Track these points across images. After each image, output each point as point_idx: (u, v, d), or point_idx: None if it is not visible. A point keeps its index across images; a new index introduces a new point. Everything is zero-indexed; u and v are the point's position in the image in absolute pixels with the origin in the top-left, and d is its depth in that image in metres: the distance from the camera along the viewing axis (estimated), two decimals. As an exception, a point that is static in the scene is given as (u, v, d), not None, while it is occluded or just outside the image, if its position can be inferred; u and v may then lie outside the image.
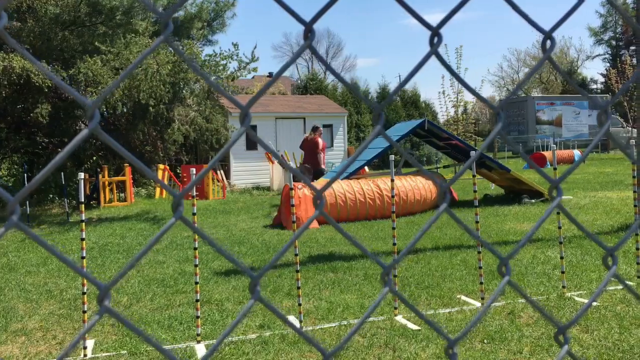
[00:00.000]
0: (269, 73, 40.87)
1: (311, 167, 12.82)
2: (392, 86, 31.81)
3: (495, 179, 12.45)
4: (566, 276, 5.27)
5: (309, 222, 0.64)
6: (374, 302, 0.73)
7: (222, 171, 18.25)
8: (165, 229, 0.58)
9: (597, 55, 52.03)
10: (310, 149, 13.01)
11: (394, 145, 0.66)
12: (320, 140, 13.09)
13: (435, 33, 0.69)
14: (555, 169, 5.22)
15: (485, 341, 3.96)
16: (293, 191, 4.66)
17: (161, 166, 15.95)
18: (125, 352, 3.99)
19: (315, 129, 13.32)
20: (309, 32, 0.69)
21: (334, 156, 20.45)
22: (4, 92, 11.42)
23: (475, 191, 5.08)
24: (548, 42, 0.77)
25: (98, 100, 0.55)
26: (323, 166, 13.17)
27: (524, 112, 31.79)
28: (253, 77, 31.31)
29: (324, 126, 20.58)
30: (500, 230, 8.43)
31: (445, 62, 0.68)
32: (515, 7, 0.73)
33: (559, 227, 5.23)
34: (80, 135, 0.54)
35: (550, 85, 49.22)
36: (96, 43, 11.60)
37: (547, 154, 22.81)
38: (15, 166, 16.98)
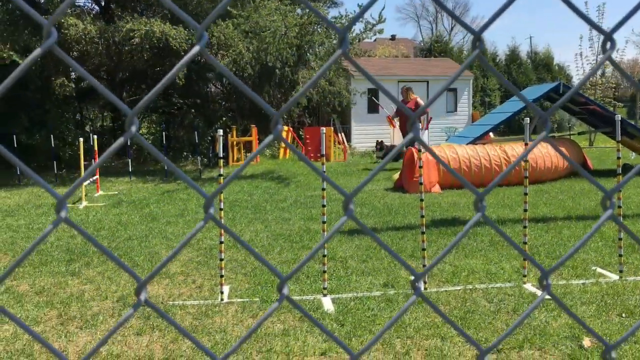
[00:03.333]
0: (392, 36, 40.21)
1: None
2: (523, 48, 30.05)
3: (637, 148, 11.48)
4: None
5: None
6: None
7: (342, 134, 18.44)
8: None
9: None
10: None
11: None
12: (419, 100, 12.18)
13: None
14: None
15: (623, 315, 3.74)
16: (422, 153, 4.61)
17: (285, 128, 16.43)
18: (258, 299, 4.23)
19: (408, 90, 12.28)
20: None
21: (457, 121, 19.90)
22: (145, 56, 12.26)
23: (619, 158, 4.72)
24: None
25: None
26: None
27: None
28: (375, 40, 31.01)
29: (449, 90, 20.01)
30: (631, 202, 7.81)
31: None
32: None
33: None
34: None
35: None
36: (228, 7, 12.05)
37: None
38: (154, 125, 18.28)
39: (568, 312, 0.76)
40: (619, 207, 4.64)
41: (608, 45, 0.70)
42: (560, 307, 0.72)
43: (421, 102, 12.18)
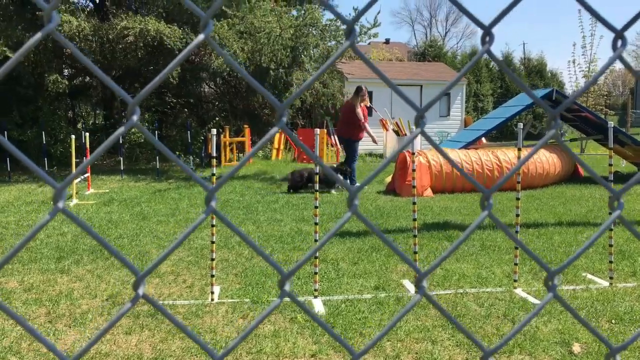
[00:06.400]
0: (386, 39, 40.31)
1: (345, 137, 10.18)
2: (516, 54, 30.26)
3: (628, 156, 11.56)
4: None
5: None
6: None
7: (335, 136, 18.43)
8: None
9: None
10: (347, 115, 10.07)
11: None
12: (358, 109, 9.90)
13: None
14: None
15: (613, 321, 3.75)
16: (415, 156, 4.61)
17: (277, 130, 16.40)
18: (248, 300, 4.21)
19: (358, 91, 9.94)
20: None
21: (450, 125, 19.96)
22: (139, 54, 12.21)
23: (610, 165, 4.74)
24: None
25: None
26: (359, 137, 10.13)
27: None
28: (369, 44, 31.07)
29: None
30: (631, 210, 7.86)
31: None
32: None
33: None
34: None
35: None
36: (223, 7, 12.03)
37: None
38: (147, 124, 18.21)
39: (572, 312, 0.76)
40: (609, 213, 4.66)
41: (619, 43, 0.70)
42: (566, 309, 0.72)
43: (358, 106, 9.97)
